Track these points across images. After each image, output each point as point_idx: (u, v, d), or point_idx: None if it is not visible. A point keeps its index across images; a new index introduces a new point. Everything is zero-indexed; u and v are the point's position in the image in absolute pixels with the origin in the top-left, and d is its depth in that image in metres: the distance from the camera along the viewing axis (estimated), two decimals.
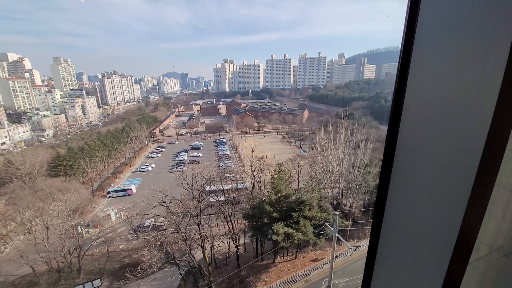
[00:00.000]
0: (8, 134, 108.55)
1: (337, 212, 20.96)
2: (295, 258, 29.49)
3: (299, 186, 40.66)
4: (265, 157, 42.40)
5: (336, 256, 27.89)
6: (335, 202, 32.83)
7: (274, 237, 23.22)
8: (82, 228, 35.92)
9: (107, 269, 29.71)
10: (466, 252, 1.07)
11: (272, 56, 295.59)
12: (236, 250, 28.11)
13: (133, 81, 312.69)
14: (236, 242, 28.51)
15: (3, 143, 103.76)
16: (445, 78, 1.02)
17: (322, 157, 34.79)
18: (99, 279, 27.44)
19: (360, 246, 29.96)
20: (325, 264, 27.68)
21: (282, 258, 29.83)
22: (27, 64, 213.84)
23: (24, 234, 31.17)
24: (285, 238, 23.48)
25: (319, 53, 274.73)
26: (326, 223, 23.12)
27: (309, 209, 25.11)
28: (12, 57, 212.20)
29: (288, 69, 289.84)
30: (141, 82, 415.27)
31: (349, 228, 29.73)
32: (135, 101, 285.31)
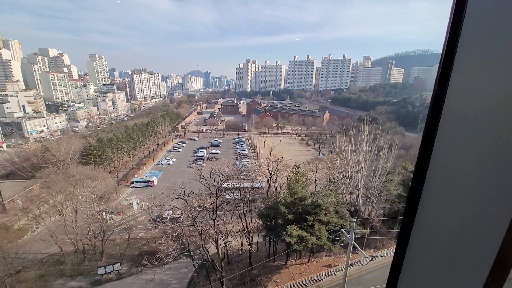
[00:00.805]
0: (47, 123, 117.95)
1: (354, 219, 20.23)
2: (308, 262, 28.96)
3: (316, 190, 39.86)
4: (282, 158, 42.07)
5: (351, 264, 26.96)
6: (352, 209, 31.74)
7: (288, 239, 22.97)
8: (106, 214, 38.03)
9: (127, 255, 31.22)
10: (504, 270, 0.98)
11: (294, 57, 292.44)
12: (249, 248, 28.22)
13: (159, 78, 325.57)
14: (249, 240, 28.63)
15: (41, 131, 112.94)
16: (491, 83, 0.93)
17: (341, 162, 33.78)
18: (119, 263, 29.00)
19: (377, 256, 28.70)
20: (338, 271, 26.88)
21: (294, 260, 29.45)
22: (66, 60, 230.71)
23: (55, 216, 33.71)
24: (299, 241, 23.13)
25: (344, 54, 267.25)
26: (342, 230, 22.43)
27: (325, 214, 24.52)
28: (53, 52, 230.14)
29: (310, 71, 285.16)
30: (167, 79, 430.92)
31: (366, 236, 28.60)
32: (160, 97, 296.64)
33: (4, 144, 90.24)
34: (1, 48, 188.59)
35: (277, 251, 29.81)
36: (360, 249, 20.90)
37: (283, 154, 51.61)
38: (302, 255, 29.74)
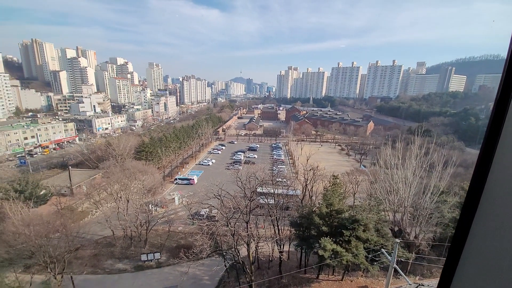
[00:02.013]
0: (111, 121, 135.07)
1: (397, 240, 18.21)
2: (342, 280, 26.99)
3: (355, 203, 37.25)
4: (319, 167, 40.47)
5: None
6: (396, 229, 28.67)
7: (321, 252, 21.77)
8: (152, 206, 41.45)
9: (166, 246, 33.41)
10: None
11: (338, 63, 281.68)
12: (280, 256, 27.57)
13: (206, 84, 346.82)
14: (280, 247, 28.00)
15: (106, 128, 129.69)
16: None
17: (385, 176, 30.92)
18: (159, 253, 31.18)
19: (423, 285, 25.29)
20: None
21: (326, 276, 27.75)
22: (130, 67, 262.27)
23: (111, 203, 37.97)
24: (333, 256, 21.73)
25: (394, 61, 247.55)
26: (383, 250, 20.36)
27: (364, 230, 22.62)
28: (120, 61, 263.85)
29: (355, 78, 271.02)
30: (212, 85, 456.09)
31: (411, 261, 25.47)
32: (205, 102, 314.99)
33: (77, 138, 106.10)
34: (80, 57, 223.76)
35: (308, 263, 28.51)
36: (402, 274, 18.64)
37: (320, 163, 49.66)
38: (336, 271, 27.86)
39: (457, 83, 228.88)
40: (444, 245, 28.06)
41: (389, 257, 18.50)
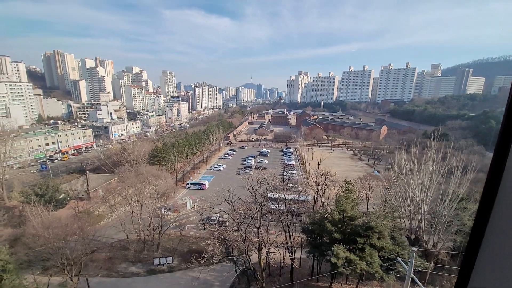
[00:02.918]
0: (126, 128, 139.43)
1: (414, 249, 17.42)
2: None
3: (368, 210, 36.12)
4: (331, 172, 39.74)
5: None
6: (413, 237, 27.48)
7: (333, 260, 21.17)
8: (165, 210, 42.03)
9: (178, 250, 33.63)
10: None
11: (349, 67, 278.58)
12: (291, 263, 27.06)
13: (217, 91, 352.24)
14: (292, 254, 27.51)
15: (122, 135, 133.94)
16: None
17: (400, 181, 29.88)
18: (171, 257, 31.42)
19: None
20: None
21: (340, 284, 26.90)
22: (145, 75, 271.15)
23: (126, 207, 38.82)
24: (346, 264, 21.07)
25: (407, 63, 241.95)
26: (399, 259, 19.52)
27: (379, 238, 21.83)
28: (135, 69, 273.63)
29: (366, 81, 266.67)
30: (223, 91, 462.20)
31: (429, 271, 24.24)
32: (216, 108, 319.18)
33: (95, 144, 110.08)
34: (98, 66, 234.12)
35: (321, 270, 27.78)
36: (420, 284, 17.74)
37: (332, 168, 48.80)
38: (349, 280, 26.96)
39: (475, 85, 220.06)
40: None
41: (405, 266, 17.70)
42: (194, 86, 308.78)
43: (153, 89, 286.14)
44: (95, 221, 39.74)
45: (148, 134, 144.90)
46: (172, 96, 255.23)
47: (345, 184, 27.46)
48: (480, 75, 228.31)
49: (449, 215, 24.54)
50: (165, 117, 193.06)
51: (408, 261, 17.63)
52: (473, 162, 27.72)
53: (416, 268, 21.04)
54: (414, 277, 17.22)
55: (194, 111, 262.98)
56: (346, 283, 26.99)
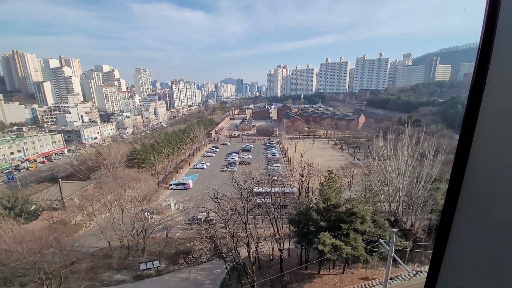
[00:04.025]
0: (100, 130, 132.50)
1: (394, 230, 18.58)
2: (343, 273, 27.34)
3: (351, 197, 37.73)
4: (314, 163, 40.85)
5: (391, 279, 24.74)
6: (392, 219, 29.24)
7: (320, 247, 22.01)
8: (148, 213, 40.91)
9: (165, 253, 33.04)
10: None
11: (326, 59, 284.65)
12: (280, 254, 27.71)
13: (195, 87, 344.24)
14: (280, 246, 28.13)
15: (95, 138, 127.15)
16: None
17: (379, 167, 31.50)
18: (158, 261, 30.82)
19: (421, 272, 25.90)
20: (377, 285, 24.84)
21: (328, 270, 28.06)
22: (116, 74, 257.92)
23: (105, 213, 37.29)
24: (332, 250, 22.00)
25: (381, 54, 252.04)
26: (381, 240, 20.75)
27: (361, 223, 22.98)
28: (106, 68, 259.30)
29: (343, 73, 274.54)
30: (202, 88, 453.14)
31: (408, 249, 26.04)
32: (196, 105, 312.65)
33: (66, 149, 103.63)
34: (64, 66, 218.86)
35: (309, 259, 28.75)
36: (401, 262, 19.03)
37: (315, 159, 50.12)
38: (336, 265, 28.20)
39: (442, 73, 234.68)
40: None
41: (387, 247, 18.85)
42: (171, 84, 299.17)
43: (127, 88, 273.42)
44: (72, 231, 37.81)
45: (125, 135, 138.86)
46: (147, 95, 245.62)
47: (328, 174, 28.41)
48: (447, 63, 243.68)
49: (424, 196, 26.37)
50: (142, 117, 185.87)
51: (390, 242, 18.78)
52: (443, 145, 29.90)
53: (397, 248, 22.48)
54: (396, 256, 18.42)
55: (173, 109, 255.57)
56: (333, 268, 28.20)
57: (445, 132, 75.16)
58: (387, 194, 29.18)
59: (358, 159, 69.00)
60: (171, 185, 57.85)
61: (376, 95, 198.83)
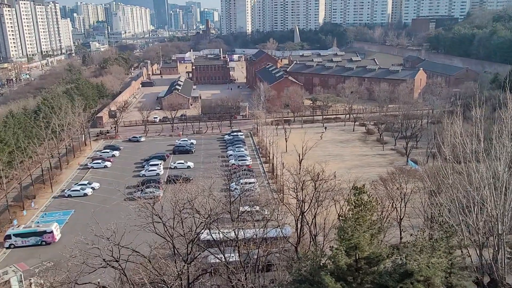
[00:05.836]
0: None
1: None
2: None
3: (402, 238, 39.45)
4: (326, 171, 41.98)
5: None
6: (486, 280, 31.30)
7: None
8: None
9: None
10: None
11: None
12: None
13: (58, 13, 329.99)
14: None
15: None
16: None
17: (456, 177, 33.39)
18: None
19: None
20: None
21: None
22: None
23: None
24: None
25: None
26: None
27: None
28: None
29: None
30: (75, 14, 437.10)
31: None
32: (62, 54, 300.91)
33: None
34: None
35: None
36: None
37: (327, 163, 51.37)
38: None
39: None
40: None
41: None
42: None
43: None
44: None
45: None
46: None
47: (355, 194, 29.33)
48: None
49: None
50: None
51: None
52: None
53: None
54: None
55: (6, 64, 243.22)
56: None
57: None
58: (474, 231, 30.94)
59: (415, 161, 72.27)
60: (9, 237, 55.77)
61: (448, 29, 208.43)
